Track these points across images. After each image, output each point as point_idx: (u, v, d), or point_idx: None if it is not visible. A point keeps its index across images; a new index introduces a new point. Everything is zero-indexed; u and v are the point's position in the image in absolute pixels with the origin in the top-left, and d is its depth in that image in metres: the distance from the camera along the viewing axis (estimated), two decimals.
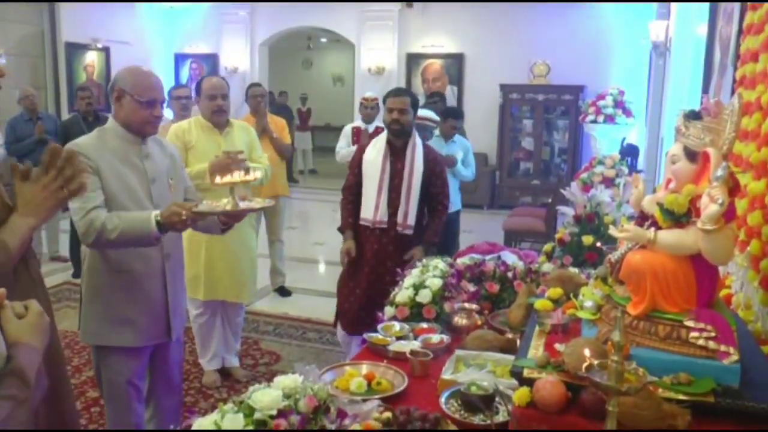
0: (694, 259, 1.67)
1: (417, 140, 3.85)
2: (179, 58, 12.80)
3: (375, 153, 3.80)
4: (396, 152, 3.79)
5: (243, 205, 2.49)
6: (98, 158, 2.52)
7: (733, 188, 1.67)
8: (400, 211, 3.74)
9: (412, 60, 11.41)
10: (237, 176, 2.43)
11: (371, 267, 3.78)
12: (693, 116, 1.75)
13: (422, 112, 5.35)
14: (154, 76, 2.66)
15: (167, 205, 2.52)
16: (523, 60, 10.36)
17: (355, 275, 3.84)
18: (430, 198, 3.86)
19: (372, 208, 3.74)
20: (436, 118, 5.32)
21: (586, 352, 1.49)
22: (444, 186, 3.92)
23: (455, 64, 11.20)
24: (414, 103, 3.79)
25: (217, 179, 2.43)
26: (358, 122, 6.20)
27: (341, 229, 3.89)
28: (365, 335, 2.56)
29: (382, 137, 3.85)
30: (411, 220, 3.75)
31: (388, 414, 1.69)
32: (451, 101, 9.87)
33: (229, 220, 2.72)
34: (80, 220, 2.46)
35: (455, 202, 5.59)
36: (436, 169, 3.86)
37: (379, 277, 3.73)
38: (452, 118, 5.81)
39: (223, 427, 1.54)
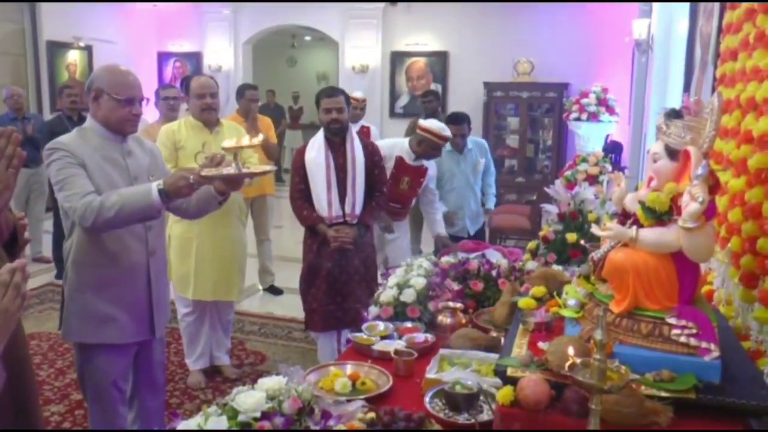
0: (676, 257, 1.68)
1: (353, 134, 3.96)
2: (163, 57, 12.71)
3: (315, 153, 3.89)
4: (335, 148, 3.89)
5: (245, 169, 2.56)
6: (82, 155, 2.51)
7: (714, 186, 1.69)
8: (347, 202, 3.86)
9: (396, 58, 11.40)
10: (245, 141, 2.57)
11: (334, 261, 3.85)
12: (674, 115, 1.77)
13: (429, 124, 4.57)
14: (131, 74, 2.65)
15: (170, 174, 2.56)
16: (507, 58, 10.37)
17: (318, 273, 3.90)
18: (372, 186, 3.98)
19: (325, 206, 3.83)
20: (447, 133, 4.55)
21: (570, 350, 1.49)
22: (382, 174, 4.05)
23: (439, 62, 11.19)
24: (347, 100, 3.92)
25: (226, 143, 2.53)
26: None
27: (312, 225, 3.90)
28: (349, 335, 2.56)
29: (319, 137, 3.92)
30: (358, 210, 3.88)
31: (372, 414, 1.69)
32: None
33: (228, 189, 2.69)
34: (77, 202, 2.44)
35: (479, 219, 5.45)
36: (374, 158, 4.00)
37: (342, 269, 3.85)
38: (452, 124, 4.93)
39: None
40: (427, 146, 4.52)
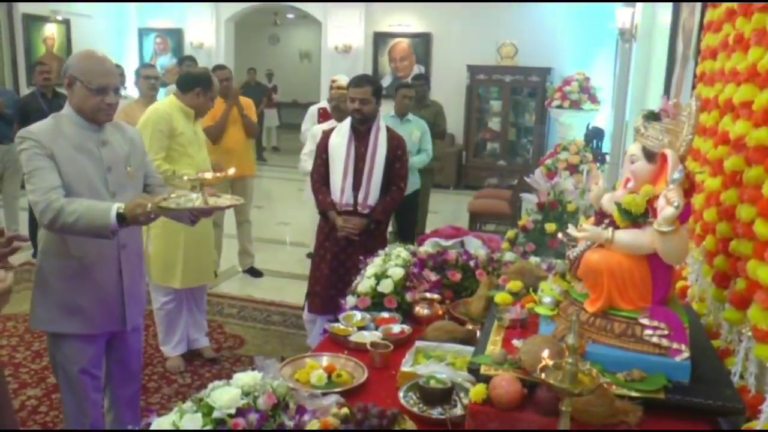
0: (650, 259, 1.70)
1: (381, 124, 3.92)
2: (143, 33, 12.53)
3: (340, 138, 3.87)
4: (360, 136, 3.86)
5: (212, 202, 2.46)
6: (51, 145, 2.45)
7: (689, 189, 1.71)
8: (361, 192, 3.83)
9: (379, 39, 11.33)
10: (209, 174, 2.50)
11: (340, 247, 3.86)
12: (652, 117, 1.78)
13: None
14: (107, 62, 2.58)
15: (131, 198, 2.46)
16: (491, 41, 10.34)
17: (324, 257, 3.92)
18: (390, 180, 3.92)
19: (338, 192, 3.82)
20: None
21: (544, 353, 1.50)
22: (403, 169, 3.99)
23: (422, 43, 11.15)
24: (376, 91, 3.82)
25: (186, 178, 2.58)
26: (323, 103, 6.09)
27: (323, 210, 3.91)
28: (326, 325, 2.57)
29: (347, 123, 3.90)
30: (372, 201, 3.84)
31: (346, 410, 1.70)
32: None
33: (198, 215, 2.66)
34: (40, 197, 2.40)
35: (413, 181, 5.18)
36: (398, 152, 3.93)
37: (347, 257, 3.83)
38: (404, 87, 5.64)
39: (182, 428, 1.54)
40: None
